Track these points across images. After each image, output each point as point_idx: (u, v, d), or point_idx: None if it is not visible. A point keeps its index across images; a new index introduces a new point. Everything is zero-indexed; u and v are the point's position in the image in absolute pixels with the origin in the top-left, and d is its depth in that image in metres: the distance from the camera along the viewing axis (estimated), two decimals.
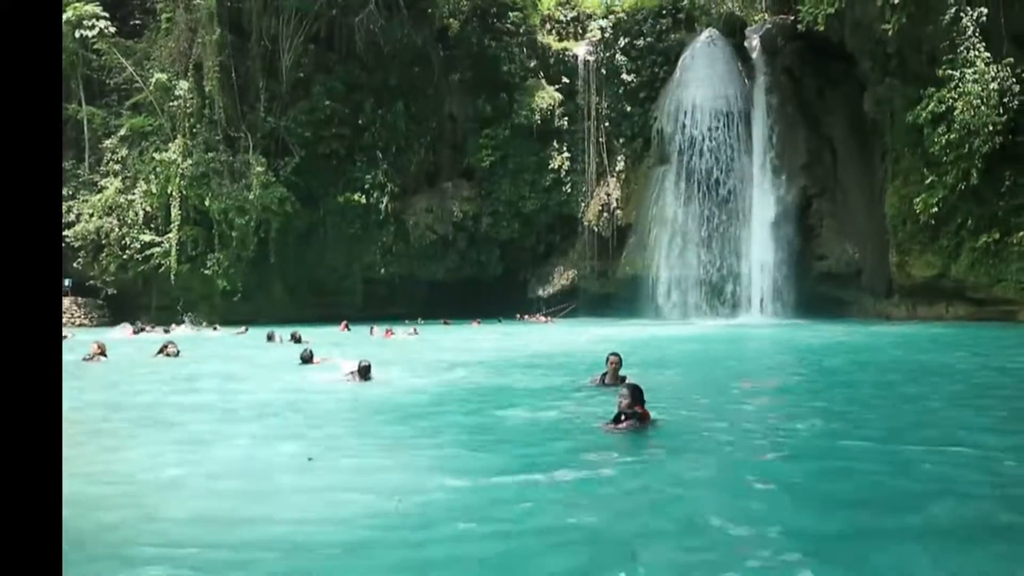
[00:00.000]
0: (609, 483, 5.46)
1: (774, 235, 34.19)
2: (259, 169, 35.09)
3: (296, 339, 21.21)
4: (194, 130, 36.25)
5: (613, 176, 40.24)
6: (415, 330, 26.52)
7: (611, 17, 40.75)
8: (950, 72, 24.90)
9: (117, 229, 36.29)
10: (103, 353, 16.06)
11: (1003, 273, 25.39)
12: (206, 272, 35.17)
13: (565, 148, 41.02)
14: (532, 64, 41.07)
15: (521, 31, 40.72)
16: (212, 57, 35.46)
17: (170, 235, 35.66)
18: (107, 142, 38.10)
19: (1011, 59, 24.34)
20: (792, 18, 33.81)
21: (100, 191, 37.14)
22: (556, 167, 40.79)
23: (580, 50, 41.64)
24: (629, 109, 39.79)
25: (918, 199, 26.81)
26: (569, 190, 40.89)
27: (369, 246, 38.96)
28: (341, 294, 39.50)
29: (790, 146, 34.54)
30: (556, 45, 42.36)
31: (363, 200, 37.72)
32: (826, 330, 24.79)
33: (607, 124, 40.56)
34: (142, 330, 27.50)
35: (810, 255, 34.05)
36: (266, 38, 36.26)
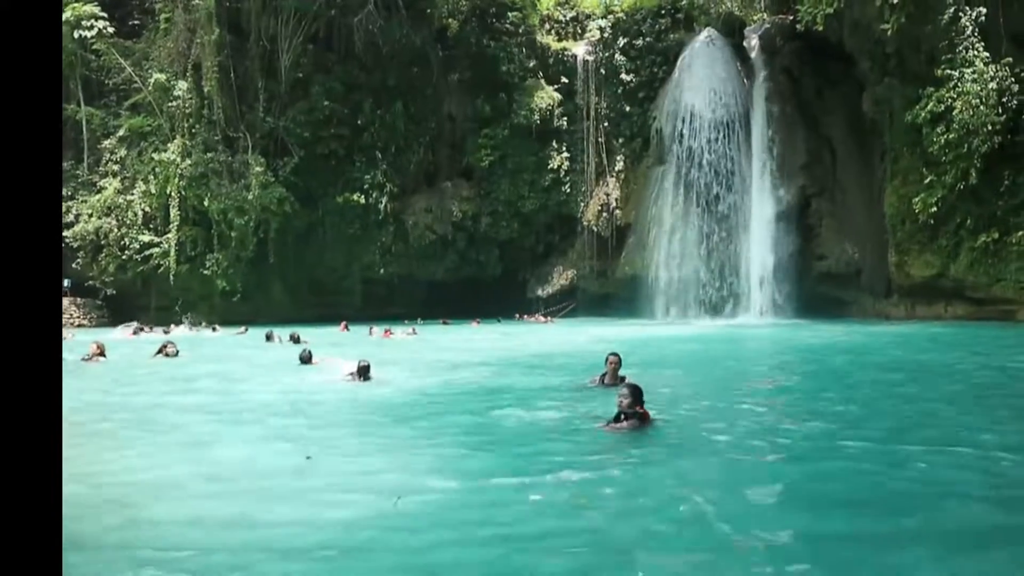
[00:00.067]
0: (610, 484, 5.45)
1: (773, 235, 34.17)
2: (258, 169, 35.08)
3: (295, 339, 21.21)
4: (193, 130, 36.24)
5: (612, 176, 40.24)
6: (414, 330, 26.53)
7: (610, 17, 40.75)
8: (949, 72, 24.91)
9: (116, 229, 36.26)
10: (102, 353, 16.05)
11: (1002, 273, 25.40)
12: (205, 272, 35.17)
13: (564, 148, 41.03)
14: (531, 64, 41.08)
15: (520, 31, 40.72)
16: (211, 57, 35.45)
17: (169, 235, 35.65)
18: (106, 142, 38.07)
19: (1010, 59, 24.34)
20: (791, 18, 33.81)
21: (99, 191, 37.12)
22: (555, 167, 40.81)
23: (579, 50, 41.64)
24: (628, 109, 39.80)
25: (917, 199, 26.82)
26: (568, 190, 40.91)
27: (368, 246, 38.96)
28: (340, 294, 39.50)
29: (789, 146, 34.53)
30: (555, 45, 42.37)
31: (362, 200, 37.72)
32: (825, 330, 24.79)
33: (606, 124, 40.56)
34: (141, 330, 27.49)
35: (809, 255, 34.05)
36: (265, 38, 36.25)
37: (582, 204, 40.83)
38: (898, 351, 16.85)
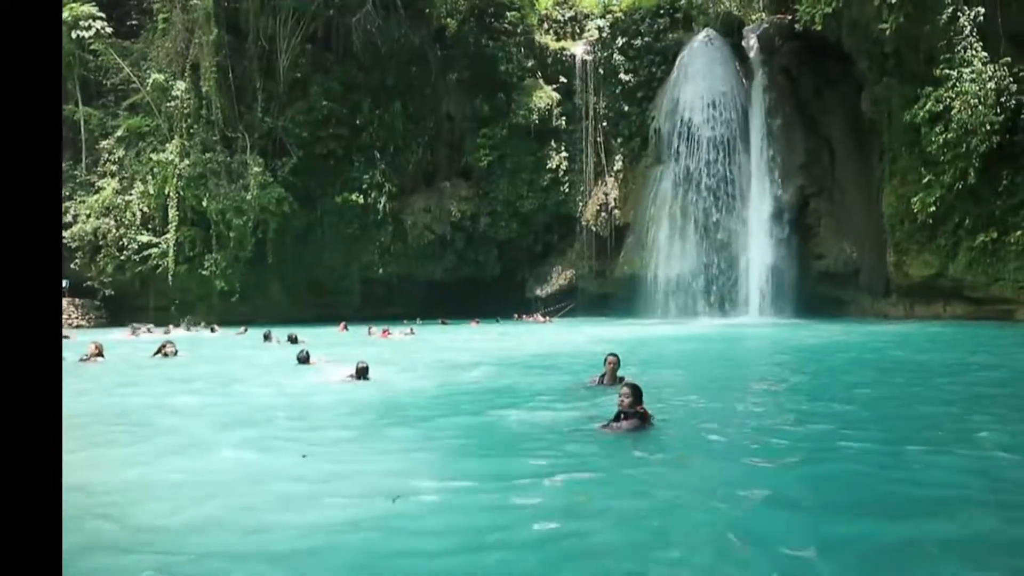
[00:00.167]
0: (610, 484, 5.44)
1: (772, 234, 34.21)
2: (256, 169, 35.06)
3: (293, 340, 21.19)
4: (191, 130, 36.21)
5: (611, 176, 40.26)
6: (412, 330, 26.52)
7: (609, 17, 40.79)
8: (947, 72, 24.93)
9: (114, 230, 36.23)
10: (100, 354, 16.02)
11: (1000, 272, 25.42)
12: (204, 273, 35.15)
13: (563, 148, 41.05)
14: (530, 64, 41.10)
15: (519, 31, 40.73)
16: (209, 57, 35.42)
17: (167, 236, 35.63)
18: (104, 143, 38.02)
19: (1008, 58, 24.37)
20: (790, 18, 33.84)
21: (97, 192, 37.07)
22: (554, 167, 40.83)
23: (578, 50, 41.67)
24: (627, 109, 39.83)
25: (916, 198, 26.84)
26: (567, 190, 40.93)
27: (367, 246, 38.95)
28: (339, 294, 39.50)
29: (788, 146, 34.57)
30: (554, 45, 42.38)
31: (361, 200, 37.72)
32: (824, 330, 24.80)
33: (605, 124, 40.59)
34: (138, 330, 27.46)
35: (808, 255, 34.08)
36: (263, 38, 36.22)
37: (581, 204, 40.84)
38: (898, 351, 16.85)
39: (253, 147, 36.23)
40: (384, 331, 25.30)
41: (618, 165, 40.15)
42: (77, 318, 36.03)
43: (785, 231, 34.13)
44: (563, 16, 43.94)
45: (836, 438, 6.95)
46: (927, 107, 25.54)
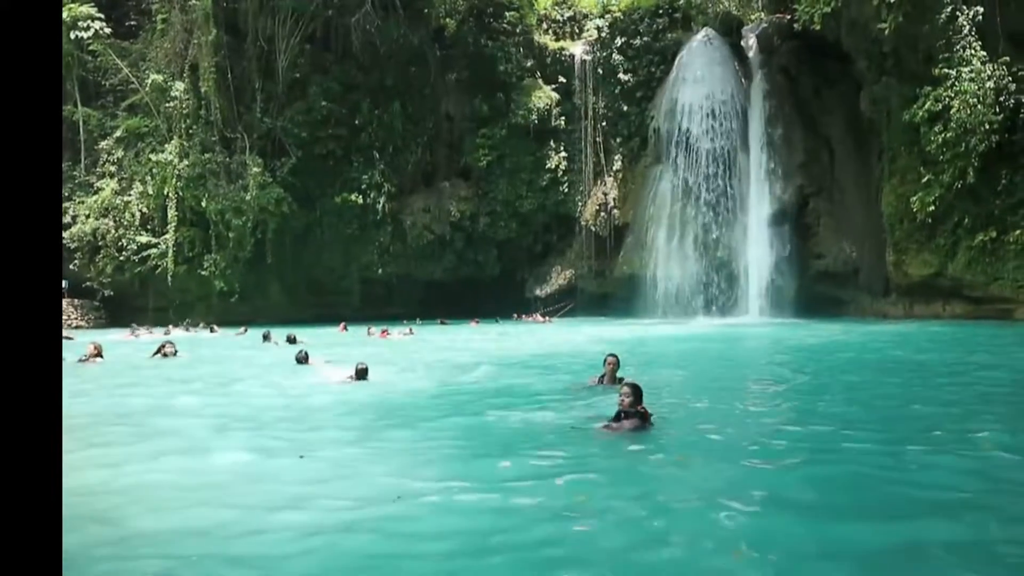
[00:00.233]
0: (610, 486, 5.43)
1: (771, 234, 34.24)
2: (256, 170, 35.04)
3: (291, 340, 21.18)
4: (190, 131, 36.20)
5: (610, 175, 40.26)
6: (411, 330, 26.51)
7: (607, 17, 40.77)
8: (946, 71, 24.93)
9: (113, 231, 36.20)
10: (99, 354, 16.00)
11: (1000, 271, 25.44)
12: (203, 273, 35.14)
13: (562, 148, 41.06)
14: (529, 64, 41.10)
15: (518, 31, 40.72)
16: (208, 58, 35.40)
17: (167, 236, 35.61)
18: (103, 143, 38.00)
19: (1007, 58, 24.38)
20: (788, 17, 33.86)
21: (96, 193, 37.05)
22: (553, 167, 40.83)
23: (577, 50, 41.67)
24: (626, 108, 39.83)
25: (915, 198, 26.85)
26: (566, 190, 40.94)
27: (366, 246, 38.94)
28: (339, 294, 39.49)
29: (787, 145, 34.59)
30: (553, 45, 42.37)
31: (360, 200, 37.70)
32: (823, 329, 24.80)
33: (604, 124, 40.59)
34: (136, 330, 27.48)
35: (807, 254, 34.10)
36: (262, 39, 36.20)
37: (580, 204, 40.85)
38: (897, 351, 16.85)
39: (252, 147, 36.22)
40: (383, 331, 25.30)
41: (617, 165, 40.15)
42: (76, 319, 36.01)
43: (784, 231, 34.14)
44: (562, 16, 43.94)
45: (836, 438, 6.95)
46: (926, 106, 25.54)
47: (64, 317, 34.61)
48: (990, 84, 24.14)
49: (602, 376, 10.29)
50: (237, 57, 36.23)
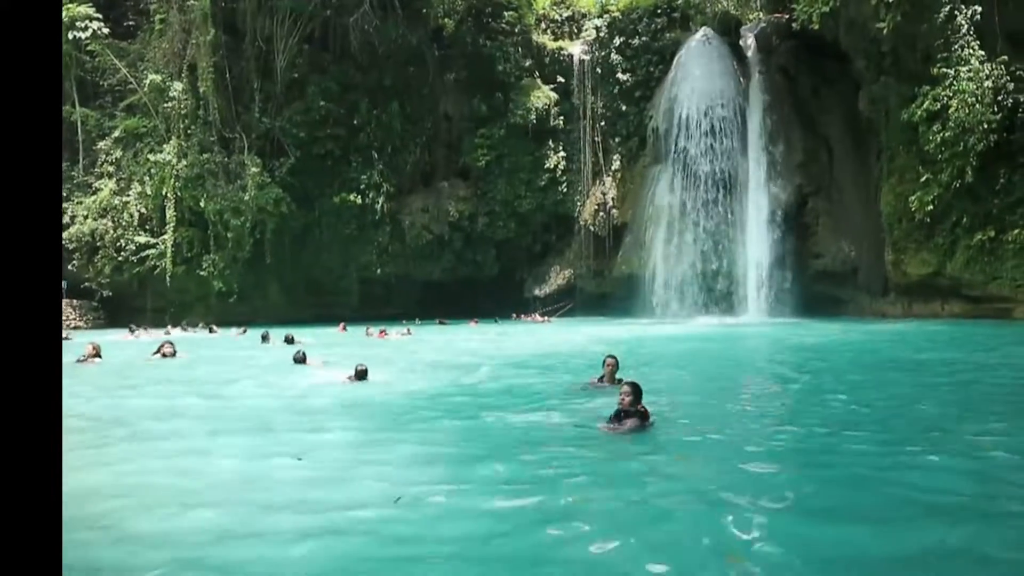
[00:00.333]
0: (610, 487, 5.42)
1: (770, 234, 34.26)
2: (254, 170, 35.02)
3: (289, 340, 21.14)
4: (189, 131, 36.17)
5: (609, 175, 40.28)
6: (408, 330, 26.50)
7: (606, 16, 40.78)
8: (945, 70, 24.96)
9: (112, 231, 36.17)
10: (98, 354, 15.98)
11: (998, 271, 25.46)
12: (202, 273, 35.11)
13: (561, 147, 41.08)
14: (527, 63, 41.11)
15: (516, 31, 40.73)
16: (206, 58, 35.37)
17: (165, 237, 35.58)
18: (101, 144, 37.97)
19: (1005, 57, 24.42)
20: (787, 17, 33.89)
21: (95, 193, 37.02)
22: (552, 166, 40.85)
23: (575, 49, 41.68)
24: (624, 108, 39.84)
25: (913, 197, 26.88)
26: (565, 189, 40.96)
27: (365, 246, 38.93)
28: (337, 294, 39.48)
29: (785, 145, 34.62)
30: (551, 44, 42.39)
31: (359, 200, 37.70)
32: (823, 329, 24.81)
33: (603, 123, 40.62)
34: (135, 330, 27.48)
35: (806, 254, 34.12)
36: (260, 39, 36.18)
37: (579, 203, 40.86)
38: (896, 350, 16.86)
39: (251, 147, 36.20)
40: (381, 331, 25.30)
41: (616, 165, 40.16)
42: (75, 319, 35.97)
43: (783, 230, 34.17)
44: (560, 16, 43.99)
45: (836, 439, 6.94)
46: (925, 106, 25.57)
47: (63, 318, 34.57)
48: (988, 83, 24.18)
49: (601, 377, 10.28)
50: (235, 57, 36.20)
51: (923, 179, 26.57)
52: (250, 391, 11.33)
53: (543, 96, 40.51)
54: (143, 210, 36.43)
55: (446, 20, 41.08)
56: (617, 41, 39.82)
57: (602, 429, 7.19)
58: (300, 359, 14.91)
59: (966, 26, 24.81)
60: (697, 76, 36.38)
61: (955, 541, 4.16)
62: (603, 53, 40.26)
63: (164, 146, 35.95)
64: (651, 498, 5.02)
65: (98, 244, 36.25)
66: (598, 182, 40.50)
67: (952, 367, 13.24)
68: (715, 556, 3.95)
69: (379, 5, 37.24)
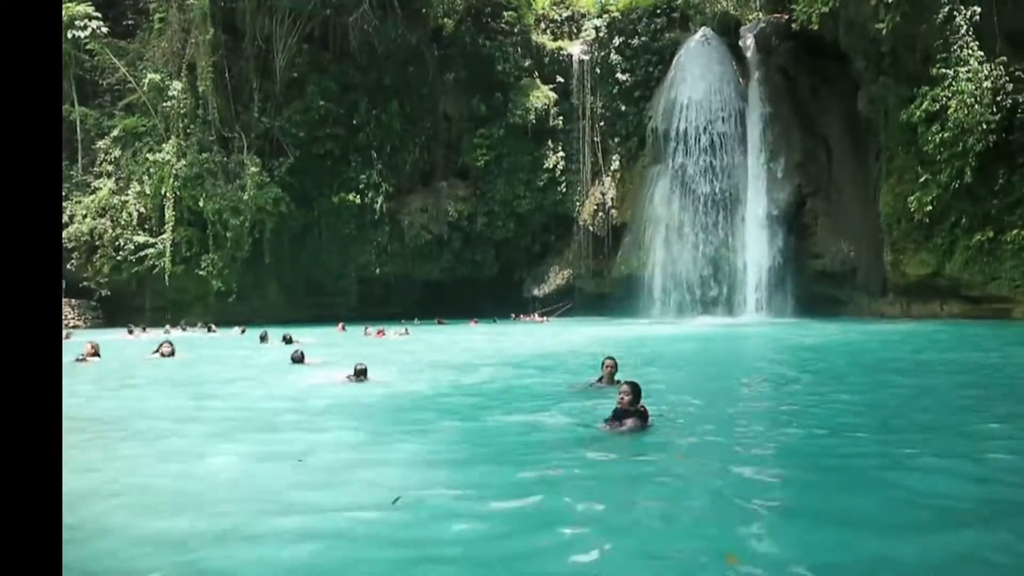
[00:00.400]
0: (610, 487, 5.42)
1: (769, 234, 34.29)
2: (253, 169, 35.00)
3: (287, 340, 21.12)
4: (188, 130, 36.14)
5: (608, 175, 40.28)
6: (406, 330, 26.49)
7: (605, 16, 40.78)
8: (944, 71, 24.99)
9: (111, 230, 36.14)
10: (96, 353, 15.97)
11: (997, 271, 25.49)
12: (200, 273, 35.08)
13: (560, 147, 41.08)
14: (527, 63, 41.11)
15: (515, 31, 40.73)
16: (205, 57, 35.34)
17: (164, 236, 35.55)
18: (100, 143, 37.96)
19: (1004, 58, 24.44)
20: (786, 17, 33.91)
21: (93, 192, 37.00)
22: (551, 166, 40.85)
23: (575, 49, 41.68)
24: (624, 108, 39.83)
25: (912, 197, 26.91)
26: (564, 189, 40.96)
27: (364, 246, 38.91)
28: (336, 294, 39.47)
29: (785, 145, 34.64)
30: (551, 44, 42.40)
31: (358, 200, 37.68)
32: (822, 329, 24.81)
33: (602, 123, 40.62)
34: (134, 330, 27.46)
35: (805, 254, 34.14)
36: (260, 38, 36.17)
37: (578, 204, 40.87)
38: (896, 350, 16.87)
39: (250, 147, 36.18)
40: (378, 331, 25.30)
41: (615, 165, 40.16)
42: (73, 319, 35.94)
43: (782, 230, 34.20)
44: (560, 16, 43.99)
45: (836, 440, 6.94)
46: (923, 106, 25.60)
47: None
48: (987, 84, 24.20)
49: (600, 378, 10.26)
50: (235, 56, 36.19)
51: (922, 179, 26.59)
52: (249, 391, 11.31)
53: (542, 96, 40.51)
54: (142, 209, 36.41)
55: (445, 20, 41.07)
56: (616, 41, 39.81)
57: (602, 429, 7.19)
58: (298, 359, 14.89)
59: (965, 27, 24.84)
60: (696, 76, 36.40)
61: (954, 544, 4.14)
62: (602, 53, 40.26)
63: (163, 145, 35.93)
64: (651, 499, 5.02)
65: (97, 243, 36.23)
66: (597, 182, 40.51)
67: (952, 367, 13.25)
68: (715, 557, 3.94)
69: (378, 5, 37.23)
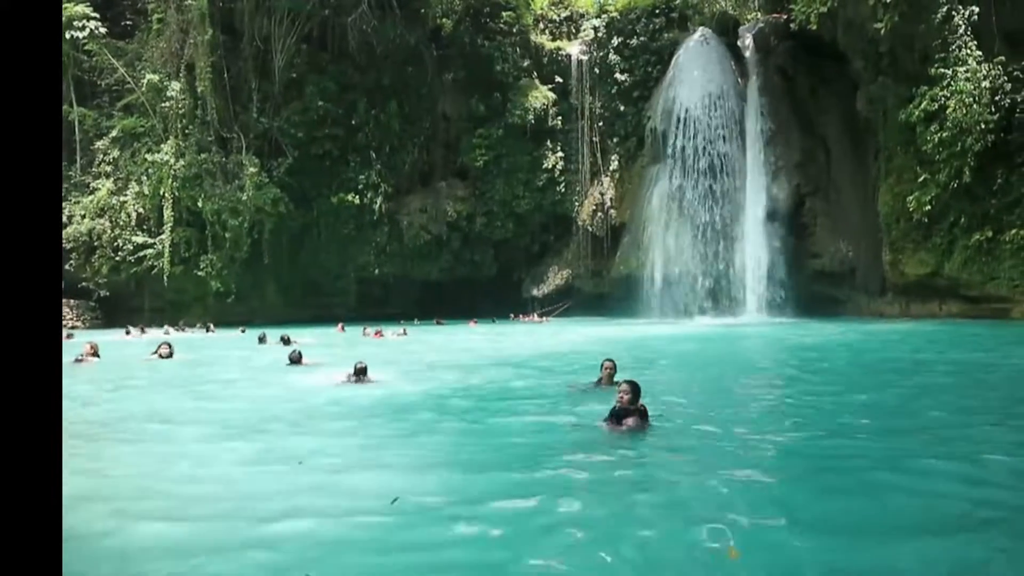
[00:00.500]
0: (610, 486, 5.42)
1: (768, 234, 34.29)
2: (252, 170, 34.98)
3: (285, 341, 21.10)
4: (186, 131, 36.12)
5: (607, 175, 40.27)
6: (404, 331, 26.50)
7: (604, 16, 40.75)
8: (942, 70, 25.01)
9: (109, 231, 36.11)
10: (95, 354, 15.96)
11: (996, 271, 25.50)
12: (199, 274, 35.06)
13: (559, 148, 41.09)
14: (525, 64, 41.11)
15: (514, 31, 40.73)
16: (204, 58, 35.32)
17: (163, 236, 35.52)
18: (99, 143, 37.93)
19: (1003, 57, 24.46)
20: (785, 17, 33.94)
21: (92, 193, 36.97)
22: (550, 167, 40.86)
23: (573, 49, 41.69)
24: (622, 108, 39.81)
25: (911, 197, 26.92)
26: (563, 190, 40.96)
27: (363, 246, 38.90)
28: (335, 295, 39.46)
29: (783, 145, 34.66)
30: (549, 45, 42.39)
31: (357, 200, 37.66)
32: (821, 329, 24.82)
33: (601, 123, 40.61)
34: (132, 331, 27.45)
35: (804, 254, 34.16)
36: (258, 38, 36.14)
37: (577, 204, 40.87)
38: (896, 350, 16.88)
39: (249, 147, 36.16)
40: (376, 332, 25.30)
41: (614, 165, 40.15)
42: (72, 319, 35.90)
43: (781, 230, 34.21)
44: (559, 16, 44.00)
45: (836, 441, 6.94)
46: (922, 106, 25.61)
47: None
48: (986, 84, 24.22)
49: (599, 380, 10.25)
50: (233, 57, 36.17)
51: (921, 179, 26.61)
52: (248, 392, 11.31)
53: (541, 96, 40.52)
54: (140, 210, 36.38)
55: (444, 20, 41.08)
56: (615, 41, 39.80)
57: (601, 427, 7.19)
58: (296, 359, 14.88)
59: (963, 26, 24.85)
60: (695, 76, 36.38)
61: (954, 548, 4.12)
62: (601, 53, 40.24)
63: (162, 146, 35.90)
64: (651, 499, 5.01)
65: (95, 244, 36.20)
66: (596, 182, 40.50)
67: (951, 367, 13.25)
68: (715, 557, 3.94)
69: (377, 5, 37.21)
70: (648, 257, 37.39)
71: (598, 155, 40.54)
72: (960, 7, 24.91)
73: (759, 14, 37.35)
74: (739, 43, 36.35)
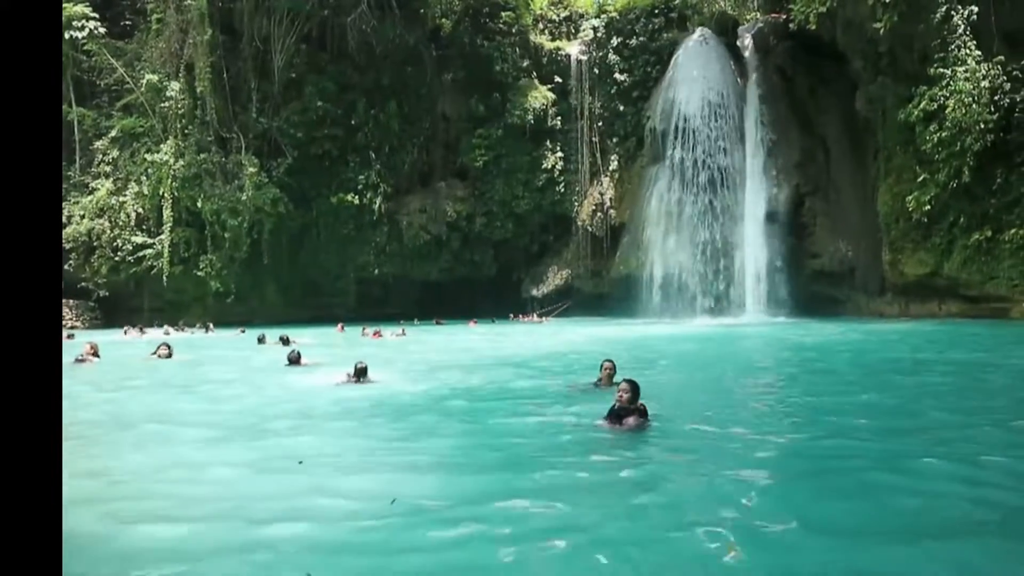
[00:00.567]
0: (610, 486, 5.41)
1: (767, 234, 34.30)
2: (252, 170, 34.98)
3: (284, 341, 21.08)
4: (186, 131, 36.12)
5: (606, 175, 40.28)
6: (403, 331, 26.51)
7: (603, 17, 40.78)
8: (941, 70, 25.01)
9: (109, 231, 36.11)
10: (95, 354, 15.95)
11: (995, 270, 25.51)
12: (199, 274, 35.06)
13: (558, 148, 41.09)
14: (525, 64, 41.12)
15: (514, 31, 40.74)
16: (203, 58, 35.32)
17: (162, 237, 35.52)
18: (98, 143, 37.92)
19: (1002, 57, 24.47)
20: (784, 17, 33.94)
21: (91, 193, 36.96)
22: (549, 167, 40.86)
23: (573, 50, 41.70)
24: (622, 108, 39.83)
25: (911, 197, 26.93)
26: (562, 190, 40.97)
27: (362, 246, 38.90)
28: (335, 295, 39.46)
29: (783, 145, 34.67)
30: (549, 45, 42.40)
31: (356, 200, 37.66)
32: (820, 329, 24.81)
33: (600, 124, 40.62)
34: (131, 331, 27.43)
35: (803, 253, 34.17)
36: (258, 38, 36.15)
37: (576, 204, 40.88)
38: (895, 350, 16.88)
39: (248, 147, 36.15)
40: (375, 332, 25.29)
41: (614, 165, 40.16)
42: (72, 319, 35.88)
43: (780, 230, 34.21)
44: (558, 16, 44.01)
45: (835, 441, 6.94)
46: (921, 106, 25.62)
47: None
48: (985, 83, 24.23)
49: (599, 380, 10.25)
50: (233, 57, 36.16)
51: (920, 179, 26.62)
52: (247, 393, 11.29)
53: (541, 96, 40.52)
54: (140, 210, 36.37)
55: (443, 20, 41.08)
56: (614, 41, 39.81)
57: (600, 425, 7.18)
58: (294, 359, 14.87)
59: (963, 26, 24.86)
60: (694, 76, 36.38)
61: (953, 551, 4.10)
62: (600, 53, 40.25)
63: (161, 146, 35.90)
64: (651, 499, 5.01)
65: (95, 244, 36.19)
66: (596, 182, 40.51)
67: (951, 367, 13.25)
68: (715, 557, 3.94)
69: (376, 5, 37.21)
70: (648, 257, 37.41)
71: (597, 155, 40.55)
72: (959, 7, 24.92)
73: (758, 14, 37.37)
74: (738, 43, 36.37)
